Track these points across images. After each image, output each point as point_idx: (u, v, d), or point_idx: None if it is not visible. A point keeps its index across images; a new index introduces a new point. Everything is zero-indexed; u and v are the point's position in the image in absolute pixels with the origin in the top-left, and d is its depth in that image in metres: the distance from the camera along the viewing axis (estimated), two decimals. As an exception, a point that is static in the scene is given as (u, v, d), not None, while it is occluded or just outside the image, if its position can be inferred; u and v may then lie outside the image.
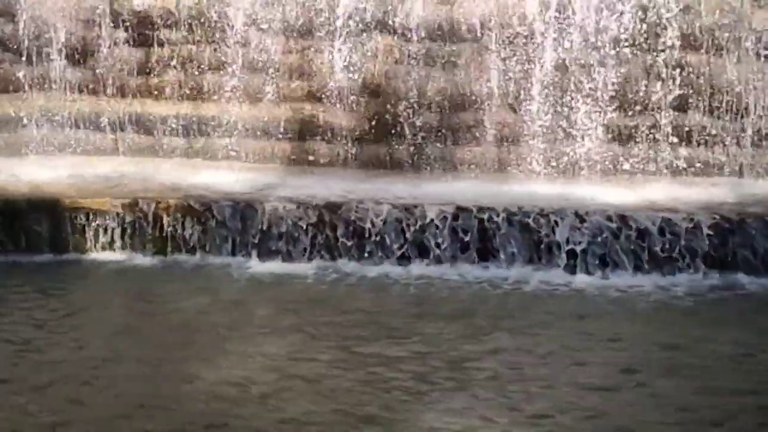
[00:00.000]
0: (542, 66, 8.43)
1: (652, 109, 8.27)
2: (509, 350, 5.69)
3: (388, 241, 7.37)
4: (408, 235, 7.35)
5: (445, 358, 5.55)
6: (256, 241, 7.54)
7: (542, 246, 7.20)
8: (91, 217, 7.63)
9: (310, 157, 8.78)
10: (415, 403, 4.92)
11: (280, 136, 8.83)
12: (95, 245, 7.64)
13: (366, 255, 7.40)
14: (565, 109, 8.40)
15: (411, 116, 8.59)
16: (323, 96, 8.73)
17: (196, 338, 5.88)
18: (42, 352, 5.66)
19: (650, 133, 8.29)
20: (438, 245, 7.30)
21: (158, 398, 4.97)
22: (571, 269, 7.10)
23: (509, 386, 5.15)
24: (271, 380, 5.19)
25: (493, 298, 6.75)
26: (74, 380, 5.21)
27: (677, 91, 8.21)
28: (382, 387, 5.13)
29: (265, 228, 7.52)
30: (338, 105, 8.71)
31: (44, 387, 5.12)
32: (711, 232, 7.02)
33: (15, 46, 9.04)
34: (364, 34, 8.66)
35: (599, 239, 7.14)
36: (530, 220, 7.23)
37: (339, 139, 8.73)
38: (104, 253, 7.62)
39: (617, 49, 8.32)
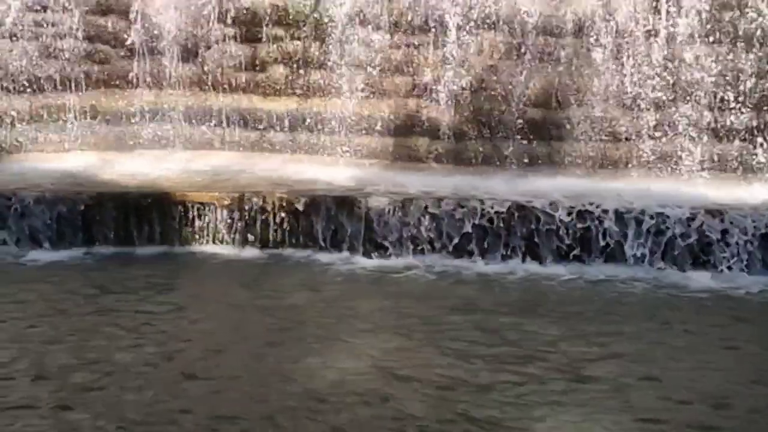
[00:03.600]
0: (648, 62, 8.31)
1: (758, 107, 8.08)
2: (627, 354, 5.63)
3: (491, 238, 7.35)
4: (515, 232, 7.33)
5: (555, 359, 5.49)
6: (360, 235, 7.58)
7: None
8: (199, 210, 7.77)
9: (413, 153, 8.80)
10: (529, 405, 4.88)
11: (384, 131, 8.88)
12: (203, 238, 7.78)
13: (468, 252, 7.38)
14: (672, 106, 8.26)
15: (515, 112, 8.53)
16: (427, 92, 8.73)
17: (301, 334, 5.92)
18: (149, 344, 5.74)
19: (756, 131, 8.10)
20: (548, 243, 7.27)
21: (262, 399, 4.98)
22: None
23: (631, 392, 5.06)
24: (379, 380, 5.19)
25: (611, 296, 6.68)
26: (180, 373, 5.28)
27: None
28: (491, 387, 5.09)
29: (368, 223, 7.56)
30: (442, 101, 8.70)
31: (149, 378, 5.21)
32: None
33: (126, 43, 9.25)
34: (469, 30, 8.63)
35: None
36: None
37: (442, 135, 8.73)
38: (212, 246, 7.74)
39: (722, 46, 8.15)
